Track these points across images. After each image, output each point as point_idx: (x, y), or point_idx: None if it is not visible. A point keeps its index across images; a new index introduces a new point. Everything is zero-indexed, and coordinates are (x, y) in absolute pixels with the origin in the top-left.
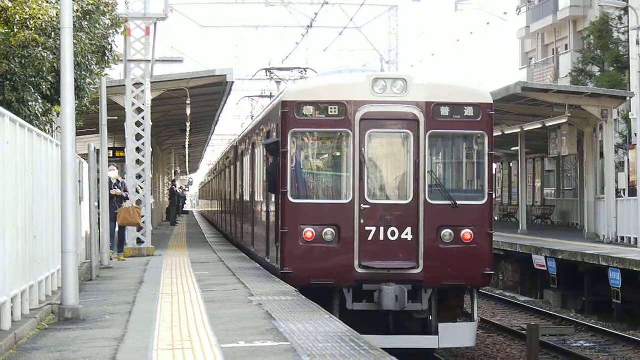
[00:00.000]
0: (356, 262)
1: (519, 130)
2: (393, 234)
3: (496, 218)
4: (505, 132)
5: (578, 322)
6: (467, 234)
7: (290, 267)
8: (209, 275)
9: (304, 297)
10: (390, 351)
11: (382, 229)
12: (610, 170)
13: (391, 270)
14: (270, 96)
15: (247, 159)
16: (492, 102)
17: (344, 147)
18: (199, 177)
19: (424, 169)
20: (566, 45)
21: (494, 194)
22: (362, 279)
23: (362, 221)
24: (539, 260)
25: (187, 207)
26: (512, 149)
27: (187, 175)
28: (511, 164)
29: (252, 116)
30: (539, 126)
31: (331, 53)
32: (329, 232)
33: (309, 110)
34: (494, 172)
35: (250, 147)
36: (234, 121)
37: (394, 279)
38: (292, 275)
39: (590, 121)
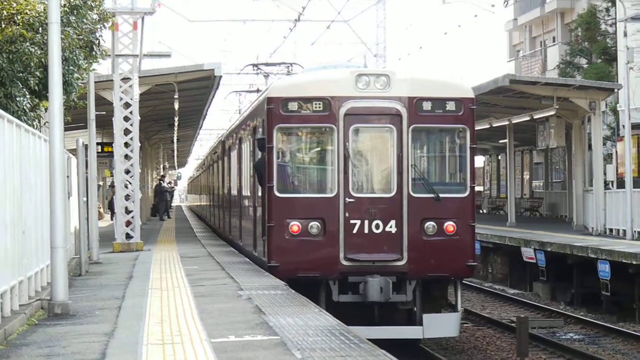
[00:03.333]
0: (341, 255)
1: (507, 122)
2: (377, 226)
3: (485, 211)
4: (493, 125)
5: (567, 314)
6: (450, 226)
7: (276, 260)
8: (198, 270)
9: (293, 291)
10: (376, 342)
11: (366, 222)
12: (599, 162)
13: (376, 262)
14: (257, 91)
15: (234, 154)
16: (473, 96)
17: (329, 141)
18: (188, 171)
19: (407, 163)
20: (554, 38)
21: (476, 187)
22: (347, 271)
23: (347, 214)
24: (527, 253)
25: (174, 203)
26: (500, 141)
27: (175, 169)
28: (499, 157)
29: (240, 111)
30: (527, 118)
31: (319, 46)
32: (314, 226)
33: (294, 105)
34: (475, 165)
35: (238, 142)
36: (222, 115)
37: (379, 271)
38: (278, 268)
39: (578, 113)
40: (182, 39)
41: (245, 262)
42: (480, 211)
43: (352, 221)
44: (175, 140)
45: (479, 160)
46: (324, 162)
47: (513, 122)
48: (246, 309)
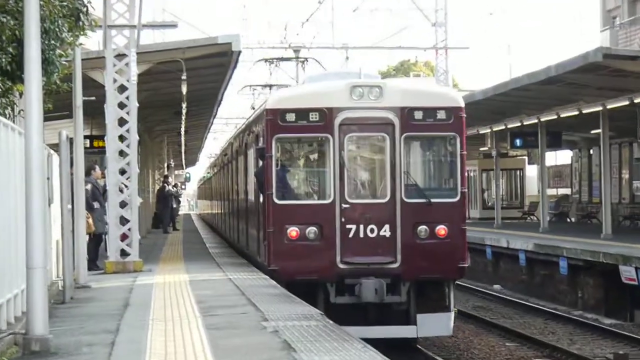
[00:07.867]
0: (338, 258)
1: (600, 108)
2: (372, 231)
3: (573, 219)
4: (583, 111)
5: None
6: (441, 229)
7: (276, 264)
8: (211, 295)
9: (330, 322)
10: (372, 341)
11: (361, 226)
12: None
13: (371, 265)
14: (270, 87)
15: (241, 159)
16: (463, 105)
17: (325, 150)
18: (199, 171)
19: (399, 170)
20: None
21: (562, 189)
22: (343, 274)
23: (343, 220)
24: (627, 273)
25: (182, 210)
26: (592, 132)
27: (183, 169)
28: (591, 151)
29: (254, 107)
30: (626, 103)
31: (362, 14)
32: (312, 231)
33: (291, 117)
34: (562, 162)
35: (244, 146)
36: (241, 100)
37: (374, 273)
38: (278, 271)
39: None
40: (191, 6)
41: (271, 286)
42: (568, 220)
43: (348, 226)
44: (182, 133)
45: (566, 156)
46: (320, 170)
47: (608, 107)
48: (272, 345)
